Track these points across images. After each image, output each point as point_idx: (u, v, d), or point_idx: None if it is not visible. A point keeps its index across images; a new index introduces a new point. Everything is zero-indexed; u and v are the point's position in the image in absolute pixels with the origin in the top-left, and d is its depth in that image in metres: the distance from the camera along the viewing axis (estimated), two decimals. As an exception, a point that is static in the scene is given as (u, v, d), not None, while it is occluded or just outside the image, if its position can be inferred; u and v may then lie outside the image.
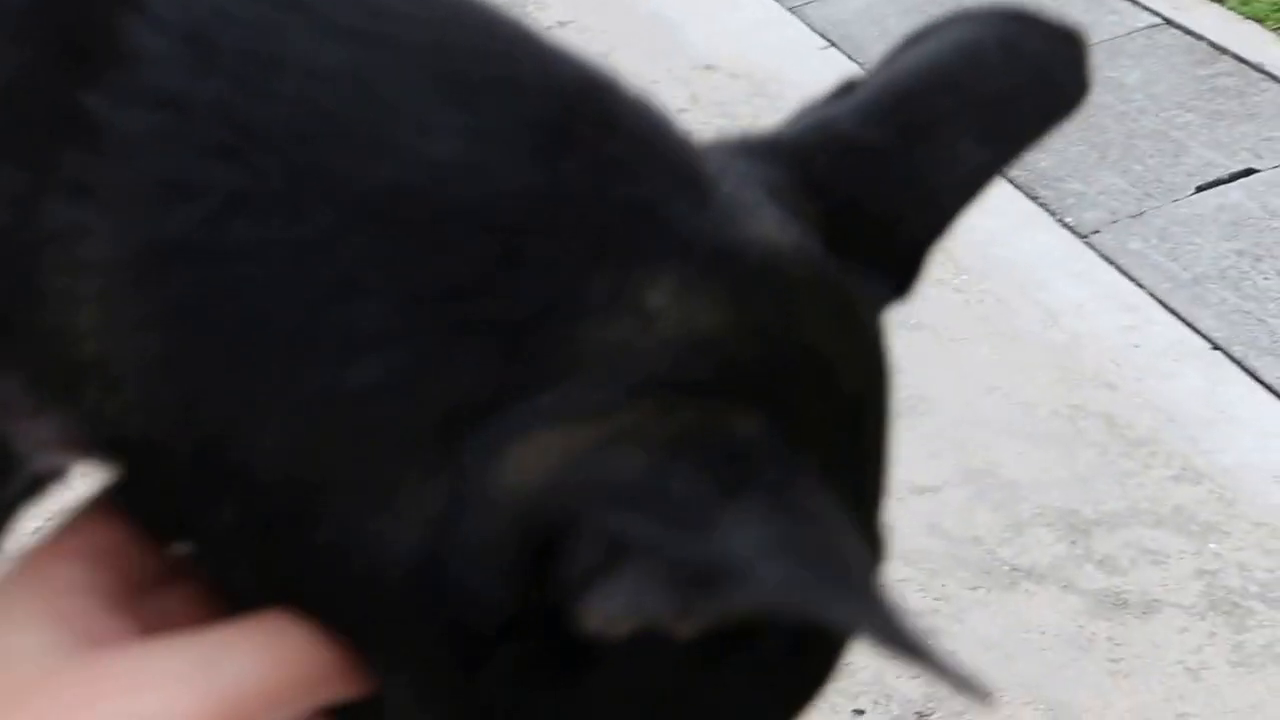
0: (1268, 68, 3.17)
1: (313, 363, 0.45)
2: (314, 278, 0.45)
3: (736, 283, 0.46)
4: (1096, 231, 2.75)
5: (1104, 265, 2.66)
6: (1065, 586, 2.03)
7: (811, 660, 0.51)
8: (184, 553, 0.49)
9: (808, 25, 3.58)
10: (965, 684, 0.39)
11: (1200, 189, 2.84)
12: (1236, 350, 2.43)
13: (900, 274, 0.53)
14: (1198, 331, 2.47)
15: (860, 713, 1.91)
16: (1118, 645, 1.91)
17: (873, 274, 0.52)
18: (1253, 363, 2.40)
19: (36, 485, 0.52)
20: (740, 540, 0.41)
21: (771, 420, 0.45)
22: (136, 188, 0.45)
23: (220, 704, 0.45)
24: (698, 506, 0.42)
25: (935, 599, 2.03)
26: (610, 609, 0.43)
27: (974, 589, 2.04)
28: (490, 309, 0.45)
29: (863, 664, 1.84)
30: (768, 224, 0.48)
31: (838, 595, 0.41)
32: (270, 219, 0.44)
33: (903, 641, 0.39)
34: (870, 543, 0.50)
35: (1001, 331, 2.52)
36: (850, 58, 3.38)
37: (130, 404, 0.46)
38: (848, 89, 0.54)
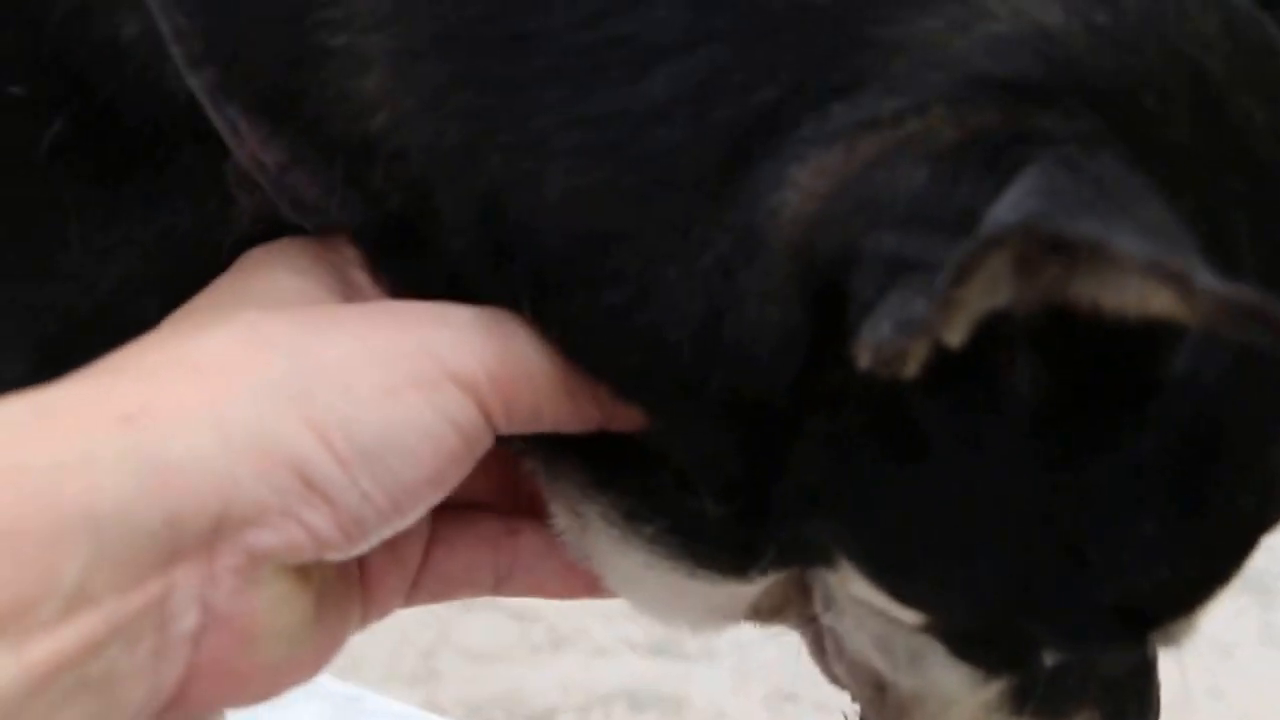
0: None
1: (600, 82, 0.43)
2: None
3: None
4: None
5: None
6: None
7: (1217, 484, 0.45)
8: None
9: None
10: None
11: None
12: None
13: None
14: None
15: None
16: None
17: None
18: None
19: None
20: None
21: (1109, 129, 0.40)
22: None
23: (510, 366, 0.46)
24: (976, 209, 0.37)
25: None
26: (878, 334, 0.38)
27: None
28: (787, 2, 0.41)
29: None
30: None
31: (1100, 212, 0.36)
32: None
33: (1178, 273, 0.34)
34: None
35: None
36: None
37: (410, 158, 0.46)
38: None
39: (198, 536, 0.42)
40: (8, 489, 0.39)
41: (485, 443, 0.46)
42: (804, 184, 0.41)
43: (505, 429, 0.47)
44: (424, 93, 0.45)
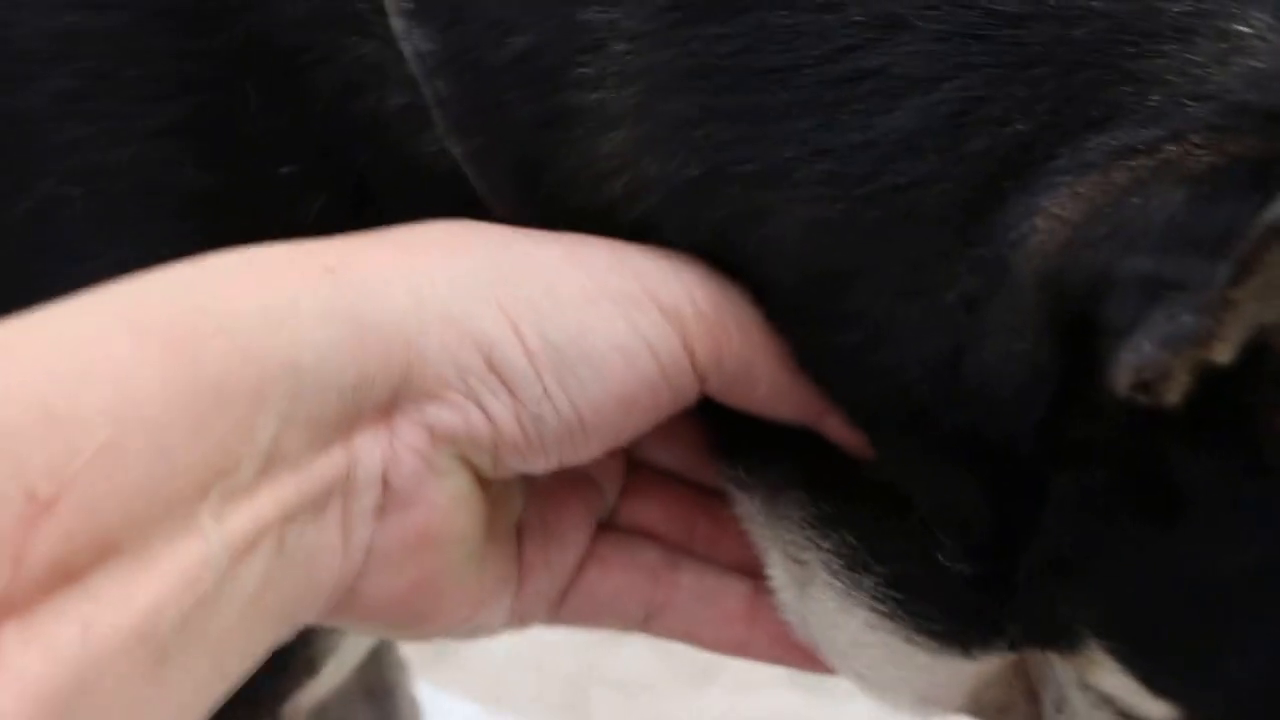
0: None
1: (848, 114, 0.42)
2: (844, 16, 0.42)
3: None
4: None
5: None
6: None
7: None
8: None
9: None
10: None
11: None
12: None
13: None
14: None
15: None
16: None
17: None
18: None
19: None
20: None
21: None
22: None
23: (723, 311, 0.46)
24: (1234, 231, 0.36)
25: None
26: (1140, 353, 0.37)
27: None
28: (1042, 34, 0.41)
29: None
30: None
31: None
32: None
33: None
34: None
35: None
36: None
37: (649, 208, 0.46)
38: None
39: (379, 402, 0.41)
40: (219, 336, 0.39)
41: (686, 382, 0.45)
42: (1055, 213, 0.40)
43: (714, 379, 0.45)
44: (667, 130, 0.45)
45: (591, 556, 0.52)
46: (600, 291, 0.44)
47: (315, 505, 0.40)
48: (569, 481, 0.51)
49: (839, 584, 0.47)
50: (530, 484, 0.50)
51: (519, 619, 0.51)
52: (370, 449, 0.42)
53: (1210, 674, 0.43)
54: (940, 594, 0.45)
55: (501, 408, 0.43)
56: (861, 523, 0.47)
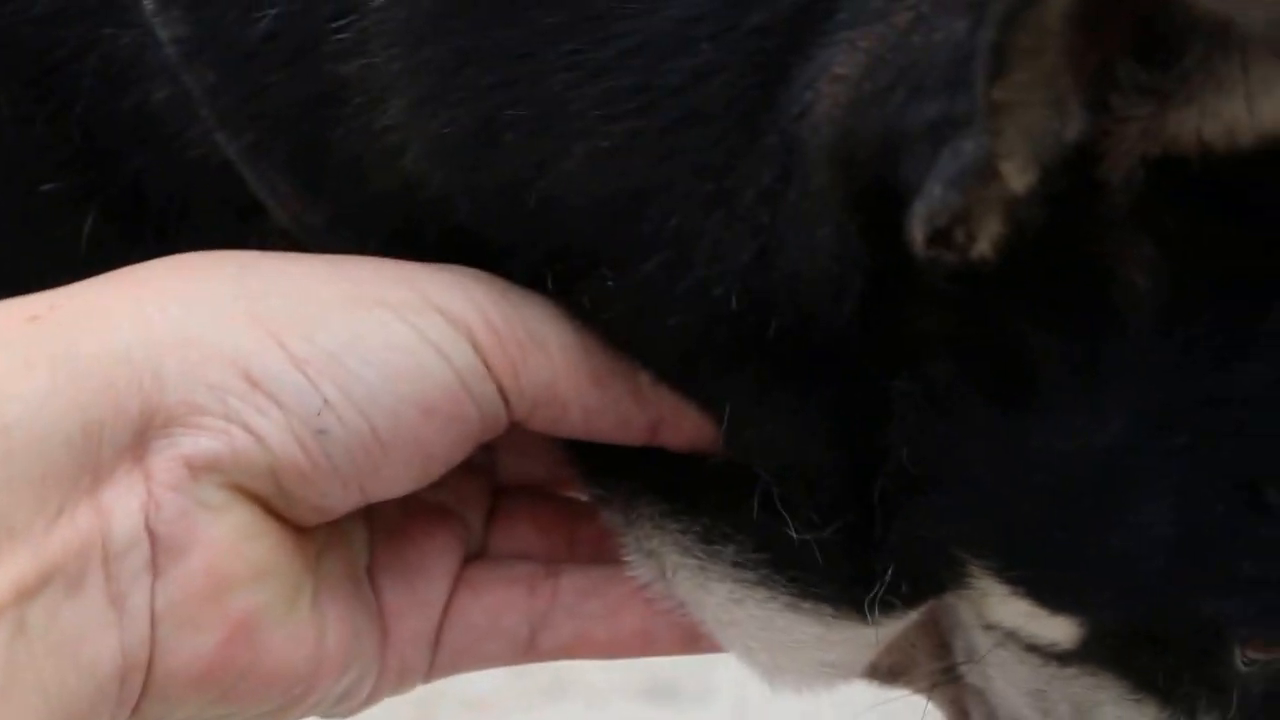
0: None
1: (615, 20, 0.39)
2: None
3: None
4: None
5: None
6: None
7: None
8: None
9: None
10: None
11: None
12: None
13: None
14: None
15: None
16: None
17: None
18: None
19: None
20: None
21: None
22: None
23: (518, 326, 0.42)
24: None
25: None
26: (929, 200, 0.34)
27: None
28: None
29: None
30: None
31: None
32: None
33: None
34: None
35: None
36: None
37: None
38: None
39: (121, 446, 0.37)
40: None
41: (493, 403, 0.41)
42: (838, 73, 0.37)
43: (518, 401, 0.42)
44: (431, 86, 0.41)
45: (460, 583, 0.48)
46: (372, 299, 0.40)
47: (66, 578, 0.36)
48: (426, 516, 0.47)
49: (693, 561, 0.45)
50: (380, 525, 0.46)
51: (397, 675, 0.46)
52: (124, 501, 0.37)
53: (1096, 571, 0.40)
54: (811, 560, 0.42)
55: (272, 425, 0.38)
56: (712, 507, 0.44)
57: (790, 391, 0.40)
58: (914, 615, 0.45)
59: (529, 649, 0.48)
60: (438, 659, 0.47)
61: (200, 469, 0.38)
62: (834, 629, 0.44)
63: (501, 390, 0.42)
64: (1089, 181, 0.34)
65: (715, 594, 0.45)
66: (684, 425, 0.43)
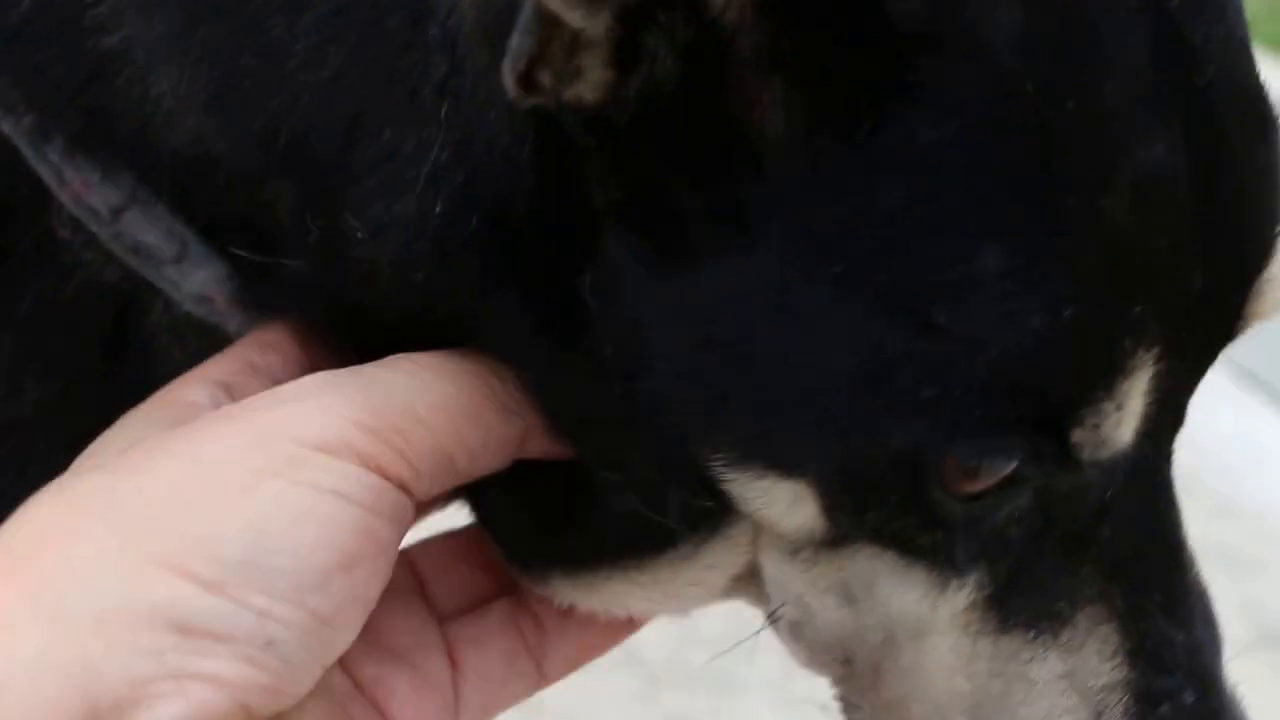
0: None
1: None
2: None
3: None
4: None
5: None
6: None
7: (1061, 184, 0.39)
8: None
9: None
10: None
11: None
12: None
13: None
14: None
15: None
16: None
17: None
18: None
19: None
20: None
21: None
22: None
23: (386, 408, 0.41)
24: None
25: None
26: (511, 50, 0.37)
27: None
28: None
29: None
30: None
31: None
32: None
33: None
34: None
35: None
36: None
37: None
38: None
39: None
40: None
41: (401, 504, 0.41)
42: None
43: (422, 484, 0.41)
44: (171, 51, 0.43)
45: (457, 644, 0.48)
46: (245, 476, 0.39)
47: None
48: (385, 610, 0.45)
49: (577, 579, 0.47)
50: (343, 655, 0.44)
51: None
52: None
53: (793, 418, 0.41)
54: (642, 523, 0.44)
55: (221, 663, 0.37)
56: (573, 529, 0.47)
57: (532, 319, 0.42)
58: (730, 541, 0.46)
59: (539, 679, 0.49)
60: (463, 717, 0.47)
61: None
62: (678, 567, 0.46)
63: (402, 486, 0.41)
64: (710, 29, 0.37)
65: (598, 592, 0.48)
66: (538, 423, 0.44)
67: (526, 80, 0.37)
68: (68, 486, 0.40)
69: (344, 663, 0.44)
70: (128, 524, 0.38)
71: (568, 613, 0.49)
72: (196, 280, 0.46)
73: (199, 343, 0.47)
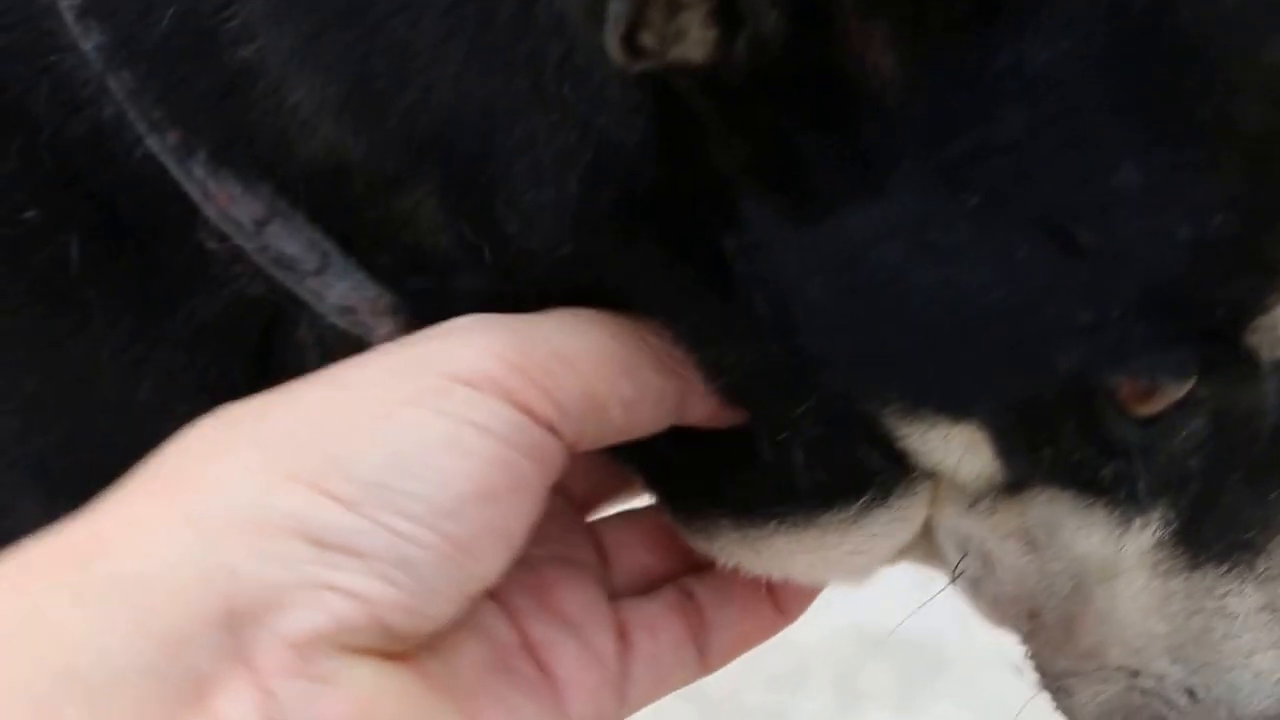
0: None
1: None
2: None
3: None
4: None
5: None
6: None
7: (1191, 94, 0.39)
8: None
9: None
10: None
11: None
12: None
13: None
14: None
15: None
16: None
17: None
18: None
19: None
20: None
21: None
22: None
23: (536, 350, 0.42)
24: None
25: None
26: (615, 11, 0.37)
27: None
28: None
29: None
30: None
31: None
32: None
33: None
34: None
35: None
36: None
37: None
38: None
39: (216, 650, 0.36)
40: None
41: (546, 444, 0.42)
42: None
43: (570, 426, 0.42)
44: (305, 52, 0.44)
45: (628, 624, 0.48)
46: (388, 403, 0.40)
47: None
48: (555, 575, 0.47)
49: (741, 535, 0.48)
50: (514, 603, 0.46)
51: None
52: (238, 706, 0.36)
53: (956, 359, 0.41)
54: (816, 481, 0.45)
55: (356, 576, 0.38)
56: (740, 487, 0.47)
57: (683, 284, 0.43)
58: (913, 503, 0.47)
59: (700, 667, 0.50)
60: (627, 698, 0.48)
61: (306, 645, 0.37)
62: (845, 529, 0.47)
63: (550, 427, 0.42)
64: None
65: (764, 551, 0.48)
66: (699, 383, 0.44)
67: (629, 44, 0.37)
68: (224, 412, 0.41)
69: (513, 618, 0.45)
70: (272, 442, 0.39)
71: (728, 600, 0.49)
72: (339, 291, 0.47)
73: (345, 354, 0.46)
